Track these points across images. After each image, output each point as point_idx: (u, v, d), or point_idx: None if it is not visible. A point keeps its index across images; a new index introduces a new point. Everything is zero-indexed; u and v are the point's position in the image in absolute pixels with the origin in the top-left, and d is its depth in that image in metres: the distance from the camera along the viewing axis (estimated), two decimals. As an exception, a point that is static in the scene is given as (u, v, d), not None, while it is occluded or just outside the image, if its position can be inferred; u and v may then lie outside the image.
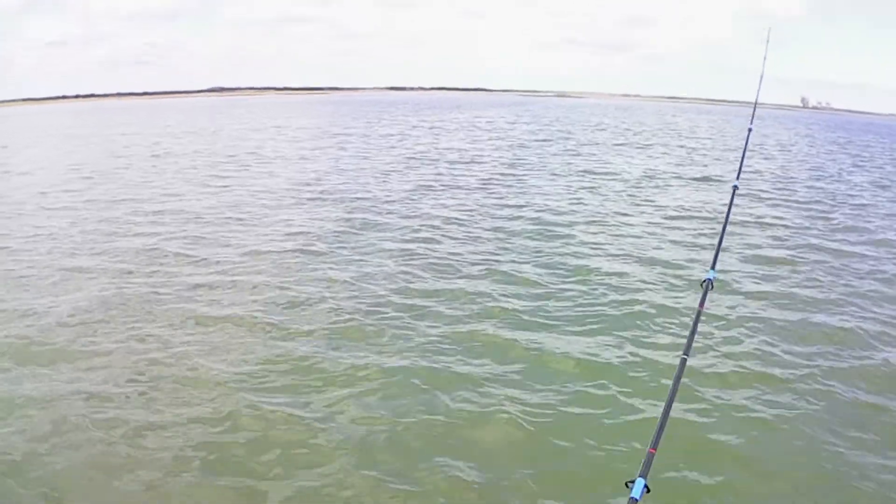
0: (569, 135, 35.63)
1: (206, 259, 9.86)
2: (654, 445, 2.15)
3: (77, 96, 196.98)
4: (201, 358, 6.43)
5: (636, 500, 1.99)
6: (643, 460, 2.10)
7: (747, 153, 5.74)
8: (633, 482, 2.04)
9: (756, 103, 5.87)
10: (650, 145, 30.78)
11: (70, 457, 4.77)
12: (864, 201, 16.64)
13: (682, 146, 30.77)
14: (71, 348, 6.63)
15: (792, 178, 20.62)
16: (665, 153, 27.09)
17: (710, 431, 5.22)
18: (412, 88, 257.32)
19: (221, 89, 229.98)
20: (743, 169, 5.38)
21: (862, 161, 28.55)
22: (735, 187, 4.59)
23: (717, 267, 3.39)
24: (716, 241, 3.89)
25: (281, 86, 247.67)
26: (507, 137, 32.69)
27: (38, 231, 11.91)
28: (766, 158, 26.70)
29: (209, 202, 14.57)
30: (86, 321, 7.35)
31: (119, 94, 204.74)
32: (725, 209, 4.26)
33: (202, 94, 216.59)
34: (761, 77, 5.96)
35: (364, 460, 4.78)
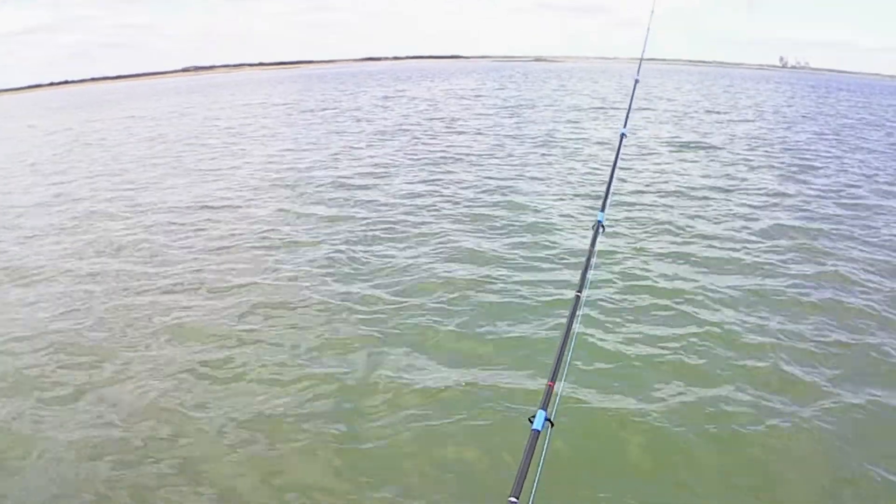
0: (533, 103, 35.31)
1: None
2: (553, 379, 2.19)
3: (51, 84, 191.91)
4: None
5: (538, 431, 2.02)
6: (543, 394, 2.13)
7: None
8: (535, 417, 2.07)
9: (642, 59, 6.16)
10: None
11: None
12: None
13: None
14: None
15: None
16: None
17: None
18: (387, 58, 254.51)
19: (196, 68, 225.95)
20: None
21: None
22: (623, 135, 4.75)
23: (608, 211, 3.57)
24: (611, 187, 4.01)
25: (255, 61, 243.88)
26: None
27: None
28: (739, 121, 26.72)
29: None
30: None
31: (93, 80, 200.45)
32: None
33: (176, 74, 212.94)
34: (646, 39, 6.28)
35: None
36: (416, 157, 16.31)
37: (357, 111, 30.61)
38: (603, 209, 3.53)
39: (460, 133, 20.67)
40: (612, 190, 3.92)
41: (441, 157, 16.06)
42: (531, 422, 2.05)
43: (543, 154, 16.34)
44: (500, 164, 14.86)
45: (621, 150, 4.44)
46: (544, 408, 2.07)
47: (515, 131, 20.87)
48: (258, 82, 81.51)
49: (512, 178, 13.15)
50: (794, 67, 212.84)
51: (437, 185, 12.85)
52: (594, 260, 2.98)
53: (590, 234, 3.29)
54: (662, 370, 5.43)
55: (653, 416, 4.74)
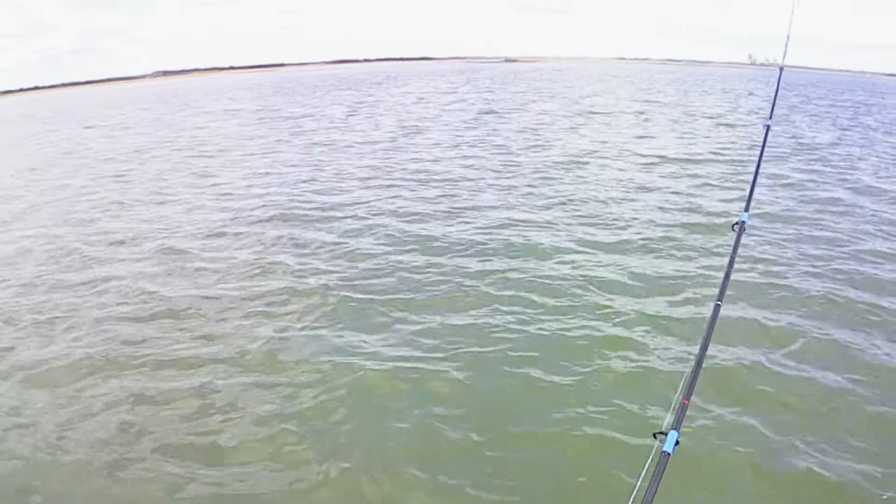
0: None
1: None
2: (688, 396, 1.99)
3: (21, 90, 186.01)
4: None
5: (668, 454, 1.81)
6: (676, 412, 1.94)
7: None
8: (663, 434, 1.87)
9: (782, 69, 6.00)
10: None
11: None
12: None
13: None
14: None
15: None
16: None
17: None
18: (358, 61, 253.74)
19: (166, 73, 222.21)
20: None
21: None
22: (767, 126, 4.50)
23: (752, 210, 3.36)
24: (748, 183, 3.80)
25: (226, 65, 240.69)
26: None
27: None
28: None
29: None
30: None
31: (63, 85, 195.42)
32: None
33: (146, 78, 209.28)
34: (786, 46, 5.79)
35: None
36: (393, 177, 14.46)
37: (331, 122, 29.15)
38: (747, 208, 3.37)
39: (434, 145, 19.39)
40: (755, 189, 3.70)
41: (418, 178, 14.27)
42: (657, 438, 1.86)
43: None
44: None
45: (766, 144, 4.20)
46: (676, 428, 1.87)
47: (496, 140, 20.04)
48: (229, 88, 79.08)
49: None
50: (763, 64, 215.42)
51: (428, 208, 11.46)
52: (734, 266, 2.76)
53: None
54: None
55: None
